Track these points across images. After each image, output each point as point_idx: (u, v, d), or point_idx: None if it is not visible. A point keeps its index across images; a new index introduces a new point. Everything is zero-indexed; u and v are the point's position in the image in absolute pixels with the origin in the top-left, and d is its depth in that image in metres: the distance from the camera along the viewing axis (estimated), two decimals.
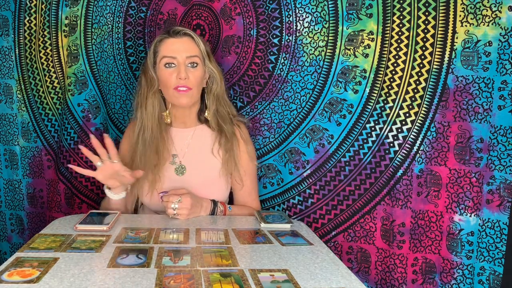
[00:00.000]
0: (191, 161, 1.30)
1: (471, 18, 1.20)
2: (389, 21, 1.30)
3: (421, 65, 1.27)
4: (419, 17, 1.26)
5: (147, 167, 1.24)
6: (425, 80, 1.27)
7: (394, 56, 1.30)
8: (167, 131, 1.31)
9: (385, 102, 1.32)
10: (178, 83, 1.20)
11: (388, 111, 1.32)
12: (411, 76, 1.29)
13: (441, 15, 1.24)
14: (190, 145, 1.31)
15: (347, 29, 1.34)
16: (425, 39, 1.26)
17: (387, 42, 1.30)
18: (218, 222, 1.18)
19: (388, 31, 1.30)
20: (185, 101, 1.23)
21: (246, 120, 1.39)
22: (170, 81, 1.21)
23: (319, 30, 1.36)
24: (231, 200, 1.39)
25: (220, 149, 1.30)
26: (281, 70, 1.41)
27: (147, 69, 1.27)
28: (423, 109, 1.28)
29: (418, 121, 1.29)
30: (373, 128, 1.34)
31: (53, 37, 1.58)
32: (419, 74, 1.28)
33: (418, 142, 1.29)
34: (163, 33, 1.28)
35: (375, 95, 1.33)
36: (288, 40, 1.40)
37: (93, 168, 1.57)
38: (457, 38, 1.23)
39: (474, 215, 1.24)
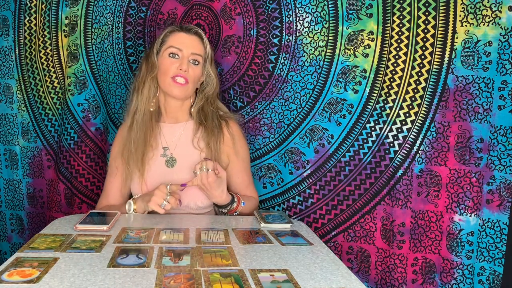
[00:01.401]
0: (181, 153, 1.31)
1: (471, 18, 1.20)
2: (389, 21, 1.30)
3: (421, 65, 1.27)
4: (419, 17, 1.26)
5: (137, 154, 1.26)
6: (425, 80, 1.27)
7: (394, 56, 1.30)
8: (156, 121, 1.32)
9: (385, 102, 1.32)
10: (178, 73, 1.24)
11: (388, 111, 1.32)
12: (411, 76, 1.28)
13: (441, 15, 1.24)
14: (181, 138, 1.32)
15: (347, 29, 1.34)
16: (425, 39, 1.26)
17: (387, 42, 1.30)
18: (218, 222, 1.18)
19: (388, 31, 1.30)
20: (178, 93, 1.26)
21: (237, 116, 1.38)
22: (170, 70, 1.25)
23: (319, 30, 1.36)
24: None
25: (199, 141, 1.31)
26: (281, 70, 1.41)
27: (150, 54, 1.30)
28: (423, 109, 1.28)
29: (418, 121, 1.29)
30: (373, 128, 1.34)
31: (53, 37, 1.58)
32: (419, 74, 1.28)
33: (418, 142, 1.29)
34: (175, 26, 1.31)
35: (375, 95, 1.33)
36: (288, 40, 1.40)
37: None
38: (457, 38, 1.23)
39: (474, 215, 1.24)
